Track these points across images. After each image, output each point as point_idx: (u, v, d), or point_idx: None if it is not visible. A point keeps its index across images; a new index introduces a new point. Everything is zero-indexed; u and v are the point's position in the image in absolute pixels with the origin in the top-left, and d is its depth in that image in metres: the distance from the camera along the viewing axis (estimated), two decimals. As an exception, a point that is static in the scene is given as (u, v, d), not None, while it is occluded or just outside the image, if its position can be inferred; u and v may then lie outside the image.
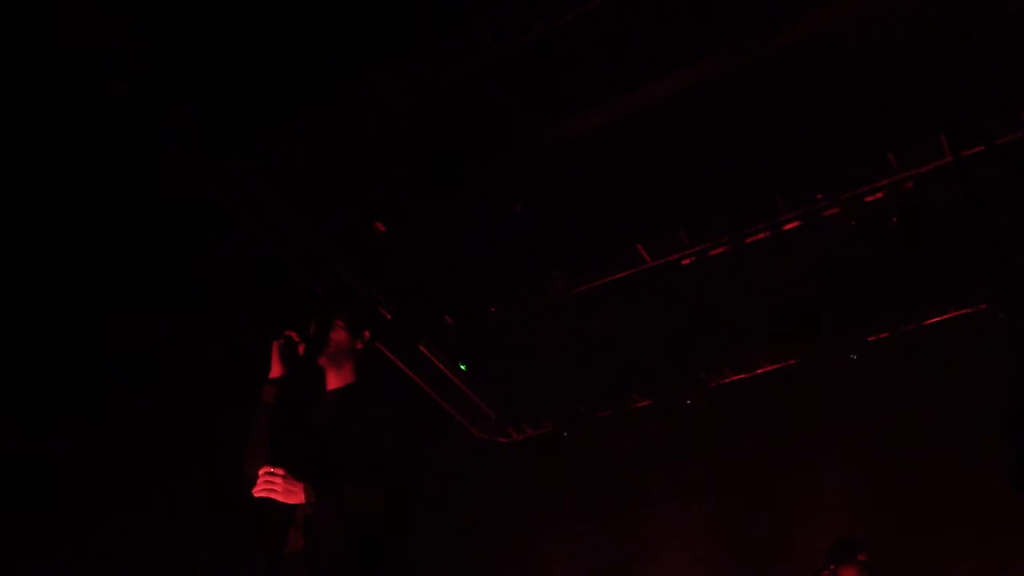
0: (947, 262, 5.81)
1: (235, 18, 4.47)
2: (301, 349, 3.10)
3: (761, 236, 5.97)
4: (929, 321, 6.39)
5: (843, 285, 6.12)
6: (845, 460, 6.65)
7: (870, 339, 6.53)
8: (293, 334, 3.13)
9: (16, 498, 4.44)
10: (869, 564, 4.91)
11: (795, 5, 4.63)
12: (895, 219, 5.66)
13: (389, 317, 6.51)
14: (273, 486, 2.76)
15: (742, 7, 4.66)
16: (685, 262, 6.21)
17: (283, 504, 2.79)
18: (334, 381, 3.19)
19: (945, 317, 6.36)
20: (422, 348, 7.01)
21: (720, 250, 6.08)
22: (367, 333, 3.26)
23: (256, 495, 2.79)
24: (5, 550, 4.37)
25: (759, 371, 7.05)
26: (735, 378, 7.12)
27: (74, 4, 4.29)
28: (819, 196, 5.72)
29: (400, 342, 6.80)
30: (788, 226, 5.89)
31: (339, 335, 3.17)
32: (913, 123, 5.18)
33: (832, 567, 4.95)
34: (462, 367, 7.35)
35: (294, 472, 2.79)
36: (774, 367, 6.98)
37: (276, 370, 3.09)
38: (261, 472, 2.79)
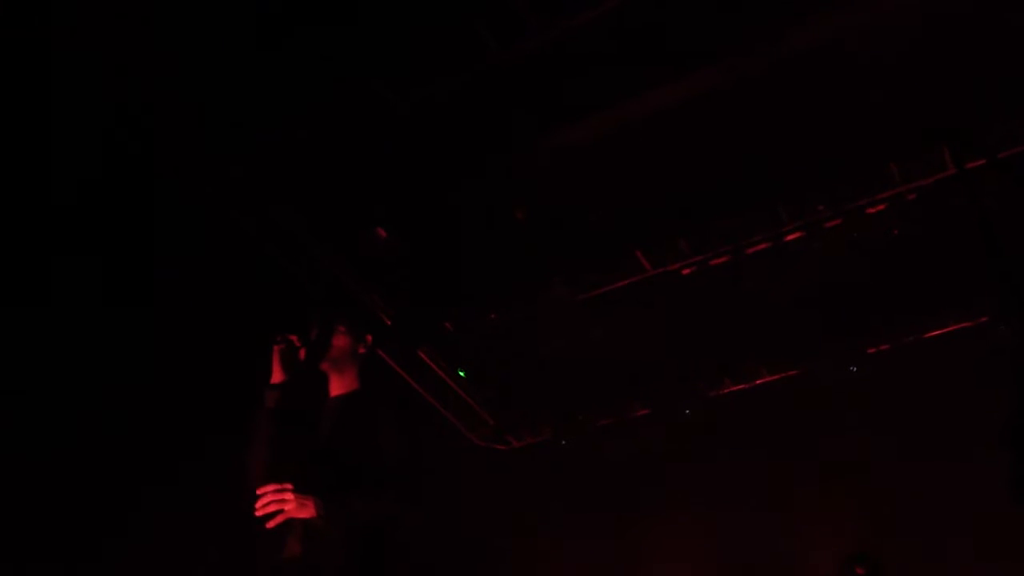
0: (949, 274, 5.80)
1: (236, 18, 4.47)
2: (302, 354, 3.08)
3: (762, 246, 5.97)
4: (930, 333, 6.39)
5: (844, 296, 6.11)
6: (844, 471, 6.63)
7: (870, 351, 6.53)
8: (294, 338, 3.11)
9: (16, 498, 4.43)
10: (867, 577, 4.91)
11: (798, 16, 4.64)
12: (897, 231, 5.66)
13: (389, 323, 6.50)
14: (284, 504, 2.71)
15: (745, 17, 4.66)
16: (686, 271, 6.21)
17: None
18: (337, 387, 3.16)
19: (946, 329, 6.36)
20: (422, 355, 6.99)
21: (721, 260, 6.08)
22: (369, 337, 3.24)
23: (265, 512, 2.73)
24: (5, 550, 4.36)
25: (759, 381, 7.04)
26: (735, 388, 7.11)
27: (75, 4, 4.29)
28: (821, 207, 5.73)
29: (400, 348, 6.79)
30: (789, 237, 5.90)
31: (341, 340, 3.15)
32: (916, 135, 5.18)
33: (830, 580, 4.95)
34: (461, 374, 7.34)
35: (301, 486, 2.74)
36: (774, 378, 6.97)
37: (277, 375, 3.07)
38: (269, 490, 2.73)
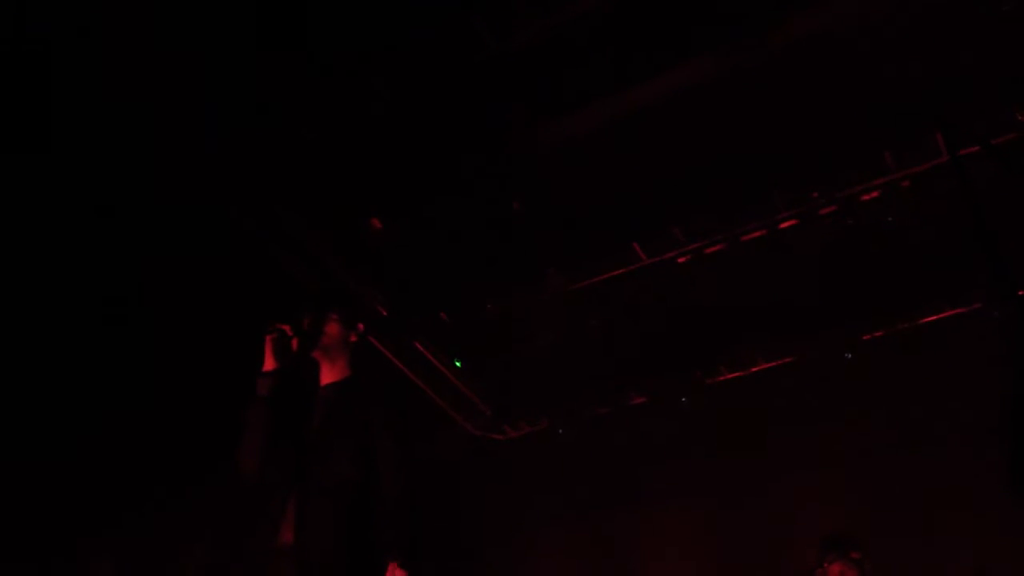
0: (943, 261, 5.82)
1: (232, 14, 4.46)
2: (294, 343, 3.10)
3: (757, 234, 5.97)
4: (924, 320, 6.40)
5: (839, 283, 6.12)
6: (841, 458, 6.65)
7: (865, 338, 6.54)
8: (286, 327, 3.12)
9: (13, 495, 4.45)
10: (861, 562, 4.91)
11: (792, 4, 4.63)
12: (891, 218, 5.67)
13: (385, 314, 6.50)
14: None
15: (739, 6, 4.65)
16: (681, 260, 6.21)
17: (274, 498, 2.79)
18: (328, 376, 3.18)
19: (940, 316, 6.37)
20: (417, 345, 6.99)
21: (716, 248, 6.08)
22: (360, 326, 3.25)
23: None
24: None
25: (755, 369, 7.05)
26: (731, 376, 7.12)
27: (74, 4, 4.27)
28: (815, 194, 5.73)
29: (395, 339, 6.79)
30: (784, 224, 5.90)
31: (332, 328, 3.17)
32: (910, 122, 5.18)
33: (825, 565, 4.96)
34: (457, 364, 7.34)
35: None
36: (770, 365, 6.98)
37: (269, 364, 3.08)
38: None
